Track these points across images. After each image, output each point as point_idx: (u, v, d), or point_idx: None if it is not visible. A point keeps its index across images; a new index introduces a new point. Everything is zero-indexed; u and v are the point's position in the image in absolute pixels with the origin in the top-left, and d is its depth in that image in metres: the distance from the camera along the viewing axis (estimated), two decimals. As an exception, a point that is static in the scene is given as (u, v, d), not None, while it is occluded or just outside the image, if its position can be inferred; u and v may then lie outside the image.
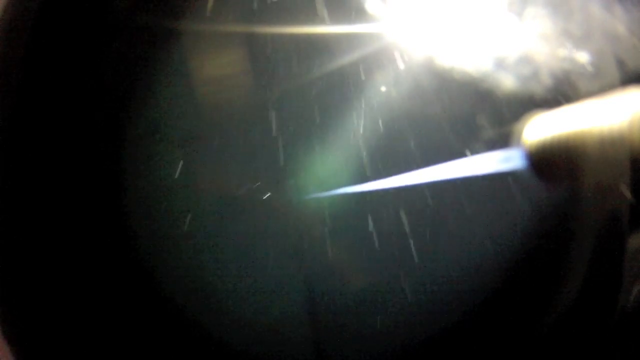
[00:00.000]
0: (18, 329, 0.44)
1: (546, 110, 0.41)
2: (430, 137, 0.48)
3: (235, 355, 0.50)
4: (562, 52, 0.44)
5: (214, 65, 0.50)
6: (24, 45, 0.46)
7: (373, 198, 0.48)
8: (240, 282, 0.50)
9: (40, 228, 0.47)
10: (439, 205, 0.48)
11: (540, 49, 0.45)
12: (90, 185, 0.49)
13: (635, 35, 0.43)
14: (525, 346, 0.46)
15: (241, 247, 0.50)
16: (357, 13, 0.48)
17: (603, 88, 0.40)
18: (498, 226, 0.47)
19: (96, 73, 0.49)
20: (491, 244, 0.47)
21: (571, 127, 0.36)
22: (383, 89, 0.48)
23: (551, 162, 0.38)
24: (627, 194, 0.34)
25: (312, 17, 0.48)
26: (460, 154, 0.46)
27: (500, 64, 0.46)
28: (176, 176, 0.50)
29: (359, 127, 0.48)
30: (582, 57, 0.44)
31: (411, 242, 0.48)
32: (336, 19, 0.48)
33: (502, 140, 0.44)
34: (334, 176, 0.49)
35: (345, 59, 0.48)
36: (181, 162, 0.50)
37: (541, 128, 0.39)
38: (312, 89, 0.49)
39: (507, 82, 0.46)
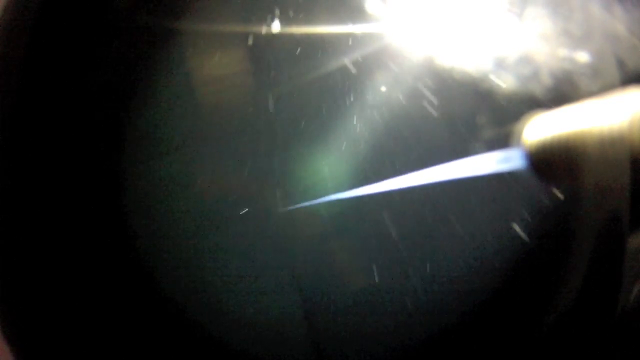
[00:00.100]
0: (18, 329, 0.44)
1: (546, 110, 0.41)
2: (430, 138, 0.48)
3: (235, 355, 0.50)
4: (562, 52, 0.44)
5: (214, 65, 0.50)
6: (24, 45, 0.46)
7: (373, 198, 0.48)
8: (240, 282, 0.50)
9: (40, 228, 0.47)
10: (439, 206, 0.48)
11: (540, 49, 0.45)
12: (90, 185, 0.49)
13: (635, 35, 0.43)
14: (526, 346, 0.46)
15: (241, 247, 0.50)
16: (357, 13, 0.48)
17: (603, 88, 0.40)
18: (498, 226, 0.47)
19: (96, 73, 0.49)
20: (491, 244, 0.47)
21: (571, 127, 0.36)
22: (383, 89, 0.48)
23: (551, 162, 0.38)
24: (627, 194, 0.34)
25: (312, 17, 0.48)
26: (460, 154, 0.46)
27: (500, 64, 0.46)
28: (176, 176, 0.50)
29: (358, 127, 0.48)
30: (582, 57, 0.44)
31: (411, 242, 0.48)
32: (336, 19, 0.48)
33: (502, 140, 0.44)
34: (334, 177, 0.49)
35: (345, 59, 0.48)
36: (181, 162, 0.50)
37: (541, 128, 0.39)
38: (311, 89, 0.49)
39: (507, 82, 0.46)
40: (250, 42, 0.49)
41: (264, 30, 0.49)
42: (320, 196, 0.49)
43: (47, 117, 0.48)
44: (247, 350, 0.50)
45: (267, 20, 0.49)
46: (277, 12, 0.49)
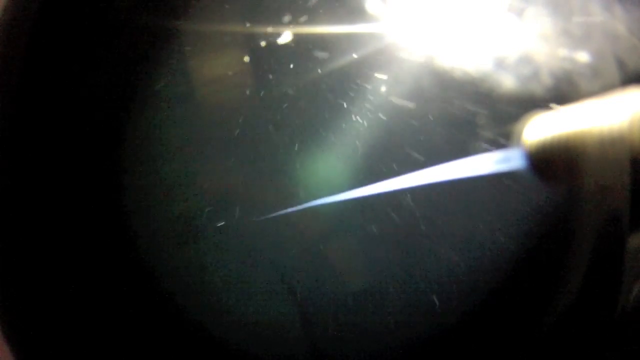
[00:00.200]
0: (18, 329, 0.44)
1: (546, 110, 0.41)
2: (430, 138, 0.48)
3: (235, 355, 0.50)
4: (562, 52, 0.44)
5: (214, 66, 0.50)
6: (24, 45, 0.46)
7: (373, 198, 0.48)
8: (239, 282, 0.50)
9: (40, 228, 0.47)
10: (439, 206, 0.48)
11: (540, 49, 0.45)
12: (90, 185, 0.49)
13: (635, 35, 0.43)
14: (526, 346, 0.46)
15: (241, 247, 0.50)
16: (357, 13, 0.48)
17: (603, 88, 0.40)
18: (498, 226, 0.47)
19: (96, 73, 0.49)
20: (491, 244, 0.47)
21: (571, 127, 0.36)
22: (383, 89, 0.48)
23: (551, 162, 0.38)
24: (627, 194, 0.34)
25: (312, 17, 0.48)
26: (460, 154, 0.46)
27: (500, 64, 0.46)
28: (176, 176, 0.50)
29: (358, 127, 0.48)
30: (582, 57, 0.44)
31: (411, 242, 0.48)
32: (336, 19, 0.48)
33: (502, 140, 0.44)
34: (334, 177, 0.49)
35: (345, 59, 0.48)
36: (181, 163, 0.50)
37: (541, 128, 0.39)
38: (311, 89, 0.49)
39: (507, 82, 0.46)
40: (250, 42, 0.49)
41: (264, 30, 0.49)
42: (321, 196, 0.49)
43: (47, 117, 0.48)
44: (246, 350, 0.50)
45: (268, 20, 0.49)
46: (277, 12, 0.49)
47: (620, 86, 0.41)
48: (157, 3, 0.50)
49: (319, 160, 0.50)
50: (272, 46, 0.49)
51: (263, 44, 0.49)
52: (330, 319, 0.49)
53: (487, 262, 0.48)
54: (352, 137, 0.49)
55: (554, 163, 0.38)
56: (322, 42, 0.48)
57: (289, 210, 0.49)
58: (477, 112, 0.47)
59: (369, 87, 0.48)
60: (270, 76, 0.49)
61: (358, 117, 0.48)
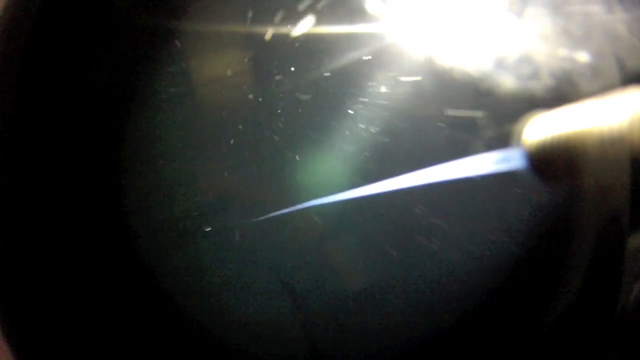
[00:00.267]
0: (18, 329, 0.44)
1: (546, 110, 0.41)
2: (430, 138, 0.48)
3: (235, 355, 0.50)
4: (562, 52, 0.44)
5: (214, 66, 0.50)
6: (23, 45, 0.46)
7: (372, 198, 0.48)
8: (239, 282, 0.50)
9: (40, 228, 0.47)
10: (439, 206, 0.48)
11: (540, 49, 0.45)
12: (90, 185, 0.49)
13: (635, 35, 0.43)
14: (526, 346, 0.46)
15: (241, 247, 0.50)
16: (357, 13, 0.48)
17: (603, 88, 0.40)
18: (498, 226, 0.47)
19: (96, 73, 0.49)
20: (491, 244, 0.47)
21: (571, 127, 0.36)
22: (383, 89, 0.48)
23: (551, 162, 0.38)
24: (627, 194, 0.34)
25: (312, 17, 0.48)
26: (460, 154, 0.46)
27: (500, 64, 0.46)
28: (176, 176, 0.50)
29: (358, 127, 0.48)
30: (582, 57, 0.44)
31: (411, 242, 0.48)
32: (336, 19, 0.48)
33: (502, 140, 0.44)
34: (334, 177, 0.49)
35: (345, 59, 0.48)
36: (181, 163, 0.50)
37: (541, 128, 0.39)
38: (311, 89, 0.49)
39: (507, 82, 0.46)
40: (250, 42, 0.49)
41: (264, 30, 0.49)
42: (321, 196, 0.49)
43: (47, 117, 0.48)
44: (246, 350, 0.50)
45: (268, 20, 0.49)
46: (277, 12, 0.49)
47: (620, 86, 0.41)
48: (157, 3, 0.50)
49: (319, 160, 0.50)
50: (272, 46, 0.49)
51: (263, 44, 0.49)
52: (330, 319, 0.49)
53: (487, 262, 0.48)
54: (352, 137, 0.49)
55: (554, 163, 0.38)
56: (322, 42, 0.48)
57: (289, 210, 0.49)
58: (477, 112, 0.47)
59: (369, 87, 0.48)
60: (270, 76, 0.49)
61: (358, 117, 0.48)
